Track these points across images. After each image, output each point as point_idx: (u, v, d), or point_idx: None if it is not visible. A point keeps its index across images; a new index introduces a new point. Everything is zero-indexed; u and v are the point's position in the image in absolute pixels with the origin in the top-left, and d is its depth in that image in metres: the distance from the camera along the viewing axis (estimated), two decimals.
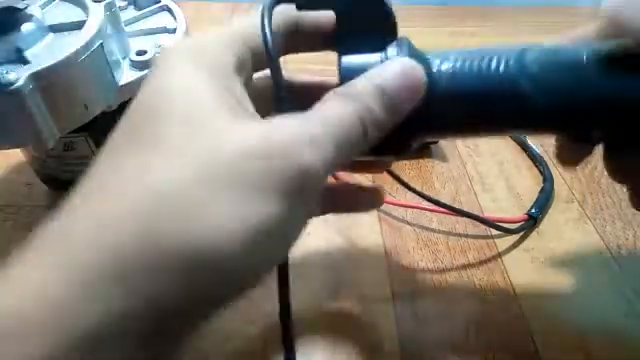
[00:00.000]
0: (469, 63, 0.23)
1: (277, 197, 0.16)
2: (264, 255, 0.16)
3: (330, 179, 0.27)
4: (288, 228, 0.17)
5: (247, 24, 0.19)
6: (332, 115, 0.18)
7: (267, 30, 0.19)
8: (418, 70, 0.20)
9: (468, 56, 0.23)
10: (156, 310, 0.14)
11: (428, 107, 0.22)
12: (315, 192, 0.18)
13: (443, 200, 0.38)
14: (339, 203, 0.26)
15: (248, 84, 0.19)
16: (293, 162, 0.16)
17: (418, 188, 0.39)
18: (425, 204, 0.35)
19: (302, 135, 0.17)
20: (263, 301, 0.24)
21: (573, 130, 0.24)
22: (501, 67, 0.22)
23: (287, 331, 0.22)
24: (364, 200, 0.26)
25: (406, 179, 0.39)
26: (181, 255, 0.14)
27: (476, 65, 0.23)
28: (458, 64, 0.23)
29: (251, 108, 0.18)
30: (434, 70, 0.23)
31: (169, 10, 0.34)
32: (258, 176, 0.16)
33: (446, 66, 0.23)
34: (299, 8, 0.21)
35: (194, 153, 0.15)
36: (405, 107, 0.20)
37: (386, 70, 0.20)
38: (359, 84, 0.19)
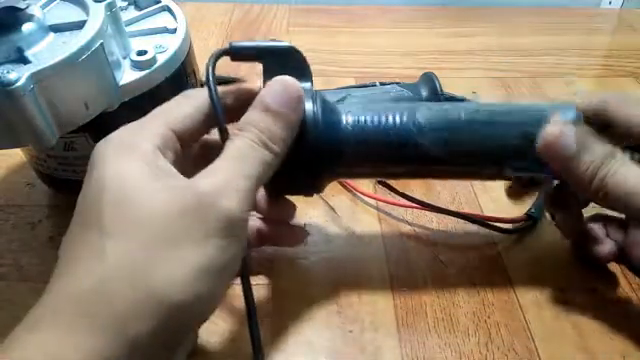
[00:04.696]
0: (371, 116, 0.27)
1: (208, 241, 0.20)
2: (211, 287, 0.20)
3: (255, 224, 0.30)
4: (225, 262, 0.21)
5: (171, 111, 0.24)
6: (234, 152, 0.22)
7: (211, 84, 0.23)
8: (292, 82, 0.24)
9: (372, 108, 0.28)
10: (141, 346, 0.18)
11: (335, 151, 0.27)
12: (241, 226, 0.21)
13: (443, 200, 0.38)
14: (266, 239, 0.31)
15: (178, 154, 0.23)
16: (213, 210, 0.20)
17: (418, 188, 0.39)
18: (425, 203, 0.35)
19: (215, 185, 0.21)
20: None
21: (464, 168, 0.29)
22: (397, 120, 0.27)
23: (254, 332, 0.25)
24: (287, 237, 0.32)
25: (406, 180, 0.39)
26: (149, 304, 0.18)
27: (377, 118, 0.27)
28: (362, 116, 0.27)
29: (175, 172, 0.22)
30: (342, 120, 0.27)
31: (169, 10, 0.34)
32: (188, 229, 0.20)
33: (352, 118, 0.27)
34: (233, 60, 0.26)
35: (132, 226, 0.19)
36: (291, 116, 0.24)
37: (267, 90, 0.24)
38: (250, 111, 0.23)
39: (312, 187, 0.29)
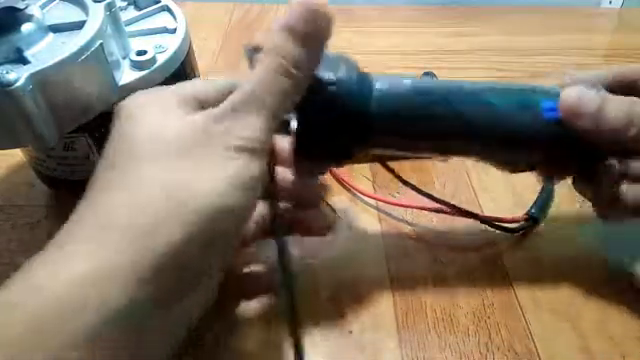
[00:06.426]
0: (405, 85, 0.27)
1: (230, 158, 0.21)
2: (237, 199, 0.21)
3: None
4: (249, 178, 0.21)
5: (193, 83, 0.25)
6: (256, 78, 0.22)
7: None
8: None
9: (406, 80, 0.27)
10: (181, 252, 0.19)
11: (365, 118, 0.26)
12: (261, 143, 0.22)
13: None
14: (294, 228, 0.30)
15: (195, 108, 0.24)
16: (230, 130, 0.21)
17: (417, 187, 0.39)
18: (425, 202, 0.35)
19: (234, 105, 0.21)
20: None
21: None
22: (430, 86, 0.27)
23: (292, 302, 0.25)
24: (317, 223, 0.30)
25: (406, 179, 0.39)
26: (181, 213, 0.19)
27: (411, 86, 0.26)
28: (395, 83, 0.26)
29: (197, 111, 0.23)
30: (375, 86, 0.26)
31: (169, 10, 0.34)
32: (211, 146, 0.21)
33: (384, 85, 0.26)
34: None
35: (163, 150, 0.21)
36: (316, 35, 0.23)
37: (290, 12, 0.23)
38: (274, 34, 0.23)
39: (342, 151, 0.27)
